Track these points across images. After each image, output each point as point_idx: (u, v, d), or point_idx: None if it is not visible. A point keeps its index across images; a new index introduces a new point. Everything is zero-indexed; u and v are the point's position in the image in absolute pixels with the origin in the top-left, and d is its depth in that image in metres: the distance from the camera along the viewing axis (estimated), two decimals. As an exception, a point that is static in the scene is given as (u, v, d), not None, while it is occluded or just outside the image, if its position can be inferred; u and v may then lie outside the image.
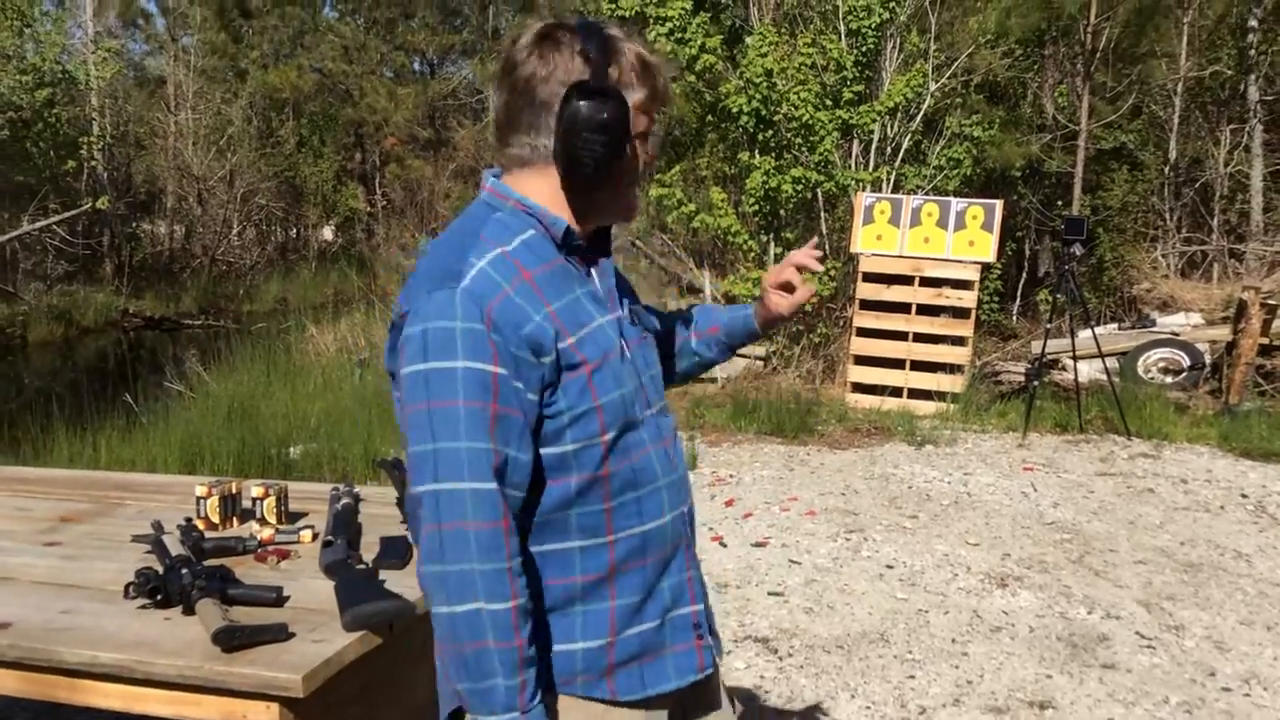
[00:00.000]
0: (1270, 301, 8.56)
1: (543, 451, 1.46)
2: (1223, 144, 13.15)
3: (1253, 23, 12.61)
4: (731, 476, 6.63)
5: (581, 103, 1.44)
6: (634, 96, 1.50)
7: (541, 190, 1.53)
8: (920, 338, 8.74)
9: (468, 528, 1.37)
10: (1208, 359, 9.02)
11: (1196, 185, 13.48)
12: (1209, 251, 12.84)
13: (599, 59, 1.47)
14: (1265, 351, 8.69)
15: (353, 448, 6.73)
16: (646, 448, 1.55)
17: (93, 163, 19.82)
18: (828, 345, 10.01)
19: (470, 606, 1.36)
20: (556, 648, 1.50)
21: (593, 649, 1.51)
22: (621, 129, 1.46)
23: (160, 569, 2.18)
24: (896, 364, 8.79)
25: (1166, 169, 13.48)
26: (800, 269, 1.86)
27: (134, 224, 22.66)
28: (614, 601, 1.52)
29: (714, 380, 9.35)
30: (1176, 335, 9.32)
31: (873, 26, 9.74)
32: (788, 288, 1.87)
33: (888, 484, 6.47)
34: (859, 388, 8.92)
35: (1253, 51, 12.71)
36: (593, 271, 1.59)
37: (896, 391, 8.75)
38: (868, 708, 3.56)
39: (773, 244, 10.10)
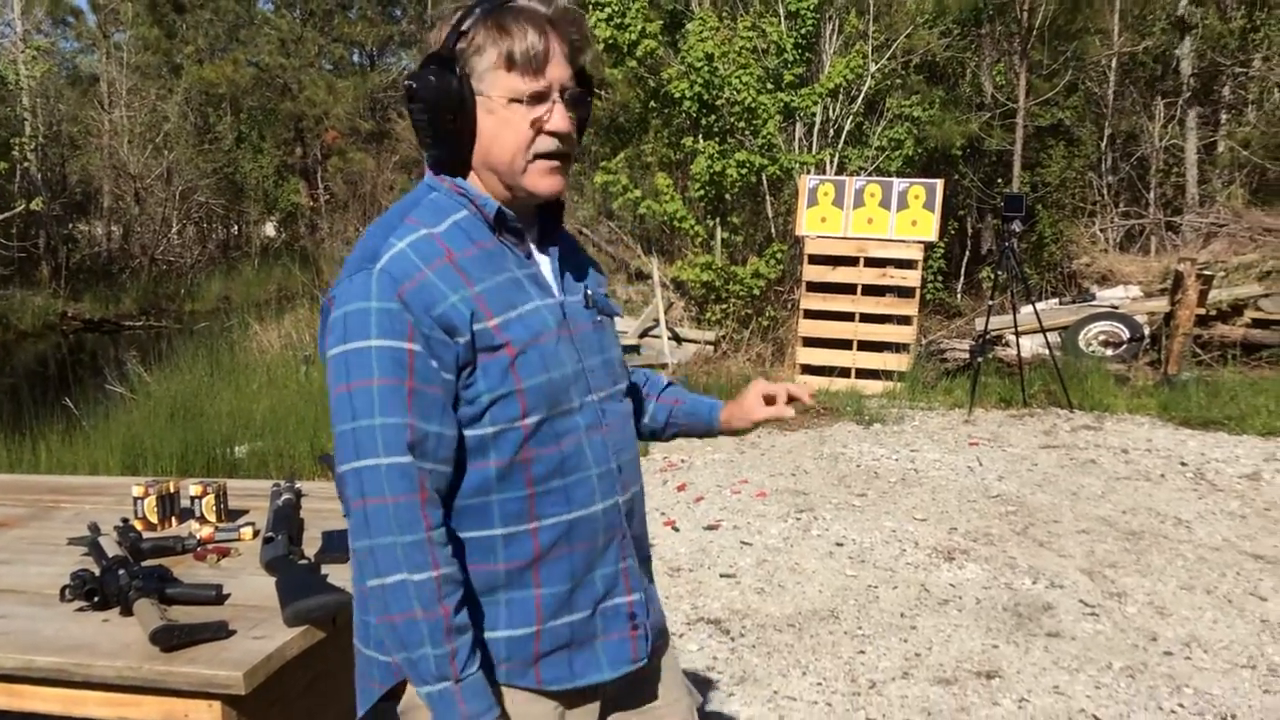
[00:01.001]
0: (1206, 273, 8.73)
1: (465, 433, 1.45)
2: (1157, 118, 13.38)
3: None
4: (683, 461, 6.65)
5: (409, 81, 1.45)
6: (483, 60, 1.44)
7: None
8: (866, 318, 8.82)
9: (387, 502, 1.37)
10: (1147, 331, 9.18)
11: (1132, 160, 13.71)
12: (1146, 225, 13.07)
13: (455, 29, 1.44)
14: (1202, 322, 8.87)
15: (299, 445, 6.66)
16: (579, 434, 1.52)
17: (25, 163, 19.39)
18: (776, 328, 10.07)
19: (396, 578, 1.38)
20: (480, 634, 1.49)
21: (517, 637, 1.50)
22: (440, 97, 1.43)
23: (97, 571, 2.14)
24: (844, 345, 8.86)
25: (1103, 144, 13.69)
26: (791, 399, 1.79)
27: (70, 225, 22.22)
28: (539, 590, 1.50)
29: (664, 365, 9.37)
30: (1116, 308, 9.48)
31: (811, 8, 9.79)
32: (770, 400, 1.80)
33: (837, 463, 6.53)
34: (808, 369, 8.98)
35: (1184, 23, 12.92)
36: (535, 254, 1.57)
37: (845, 372, 8.82)
38: (819, 684, 3.59)
39: (719, 228, 10.13)
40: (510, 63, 1.44)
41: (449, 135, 1.47)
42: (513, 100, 1.45)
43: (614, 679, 1.57)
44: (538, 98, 1.46)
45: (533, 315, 1.49)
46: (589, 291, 1.62)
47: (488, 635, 1.49)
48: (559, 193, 1.54)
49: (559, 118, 1.48)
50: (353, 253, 1.47)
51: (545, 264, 1.58)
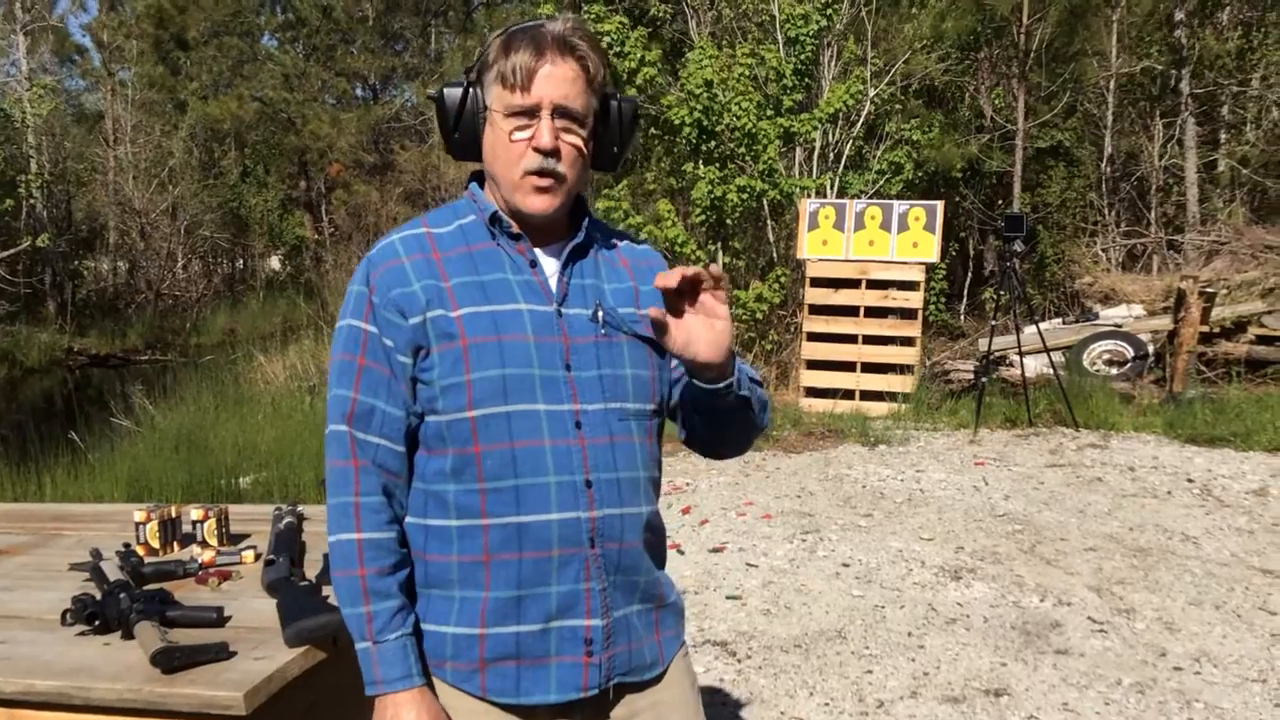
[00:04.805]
0: (1208, 290, 8.73)
1: (426, 420, 1.54)
2: (1156, 138, 13.43)
3: (1179, 17, 12.88)
4: (688, 484, 6.63)
5: (430, 92, 1.61)
6: (489, 74, 1.53)
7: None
8: (870, 340, 8.82)
9: (333, 465, 1.54)
10: (1151, 349, 9.17)
11: (1132, 180, 13.74)
12: (1147, 244, 13.08)
13: (486, 48, 1.54)
14: (1205, 339, 8.86)
15: (304, 474, 6.65)
16: (542, 440, 1.50)
17: (31, 201, 19.53)
18: (780, 352, 10.07)
19: (334, 537, 1.53)
20: (430, 626, 1.56)
21: (463, 636, 1.53)
22: (454, 110, 1.55)
23: (98, 595, 2.14)
24: (848, 367, 8.86)
25: (1103, 165, 13.72)
26: (697, 282, 1.48)
27: (76, 261, 22.32)
28: (488, 592, 1.51)
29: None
30: (1119, 327, 9.47)
31: (810, 34, 9.84)
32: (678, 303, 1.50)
33: (842, 484, 6.51)
34: (812, 392, 8.98)
35: (1181, 45, 12.99)
36: (540, 264, 1.57)
37: (849, 394, 8.81)
38: (826, 704, 3.57)
39: (720, 253, 10.15)
40: (503, 78, 1.50)
41: (457, 143, 1.58)
42: (506, 115, 1.51)
43: (562, 703, 1.54)
44: (527, 113, 1.50)
45: (507, 315, 1.52)
46: (608, 307, 1.59)
47: (439, 629, 1.55)
48: (545, 212, 1.54)
49: (542, 134, 1.49)
50: None
51: (553, 275, 1.58)
